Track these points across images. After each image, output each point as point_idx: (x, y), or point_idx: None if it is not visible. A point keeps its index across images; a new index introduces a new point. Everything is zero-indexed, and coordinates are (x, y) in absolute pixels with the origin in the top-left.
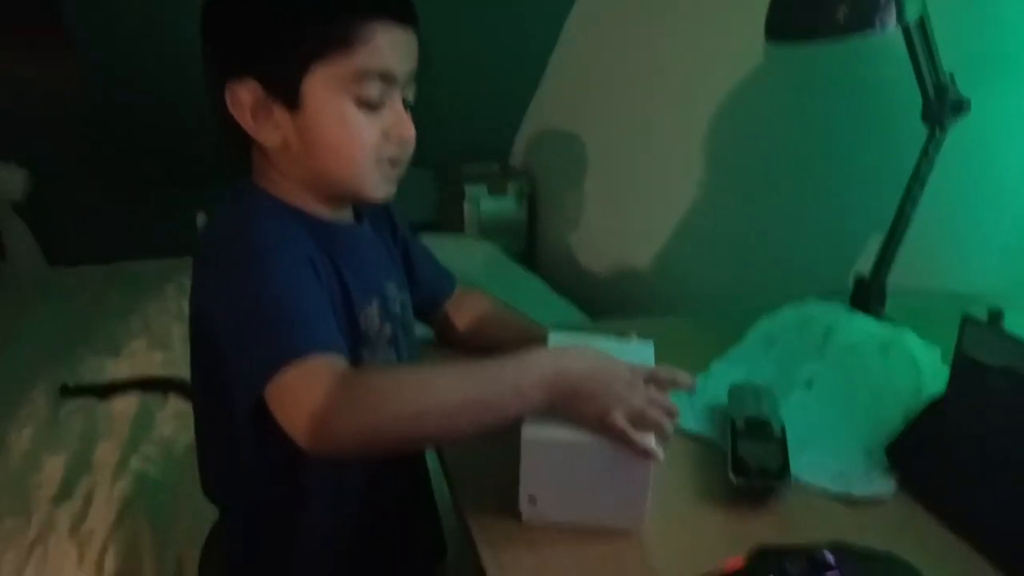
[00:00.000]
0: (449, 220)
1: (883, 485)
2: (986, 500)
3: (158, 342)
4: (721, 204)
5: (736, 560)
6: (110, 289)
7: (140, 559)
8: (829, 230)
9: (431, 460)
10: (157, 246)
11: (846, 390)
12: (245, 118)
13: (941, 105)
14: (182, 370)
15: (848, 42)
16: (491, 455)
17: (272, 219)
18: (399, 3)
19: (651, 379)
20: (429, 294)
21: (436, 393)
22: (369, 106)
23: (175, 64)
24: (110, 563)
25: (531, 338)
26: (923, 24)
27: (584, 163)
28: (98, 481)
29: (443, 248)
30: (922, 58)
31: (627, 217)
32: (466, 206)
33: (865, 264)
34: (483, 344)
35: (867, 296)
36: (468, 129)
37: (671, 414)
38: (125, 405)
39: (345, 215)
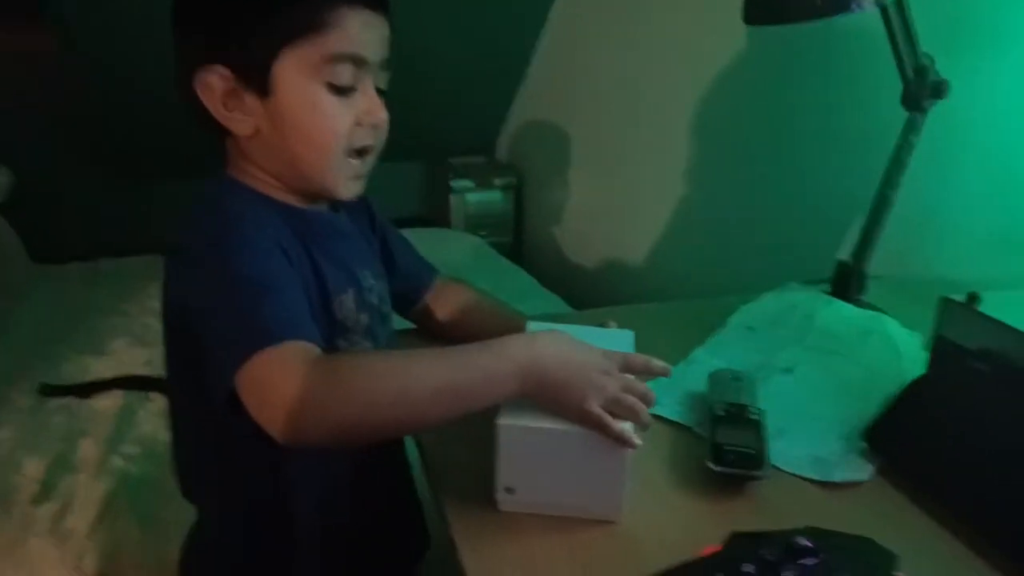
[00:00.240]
0: (436, 214)
1: (861, 470)
2: (966, 482)
3: (141, 340)
4: (705, 195)
5: (713, 547)
6: (94, 287)
7: (122, 558)
8: (812, 217)
9: (411, 450)
10: (142, 244)
11: (826, 376)
12: (216, 106)
13: (920, 87)
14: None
15: (828, 27)
16: (470, 444)
17: (244, 207)
18: None
19: (626, 366)
20: (409, 285)
21: (409, 381)
22: (341, 91)
23: (174, 64)
24: (91, 563)
25: (514, 328)
26: (900, 5)
27: (570, 156)
28: (79, 480)
29: (430, 242)
30: (900, 39)
31: (613, 210)
32: (453, 200)
33: (848, 250)
34: (465, 335)
35: (848, 282)
36: (455, 123)
37: (647, 401)
38: (107, 403)
39: (320, 204)
